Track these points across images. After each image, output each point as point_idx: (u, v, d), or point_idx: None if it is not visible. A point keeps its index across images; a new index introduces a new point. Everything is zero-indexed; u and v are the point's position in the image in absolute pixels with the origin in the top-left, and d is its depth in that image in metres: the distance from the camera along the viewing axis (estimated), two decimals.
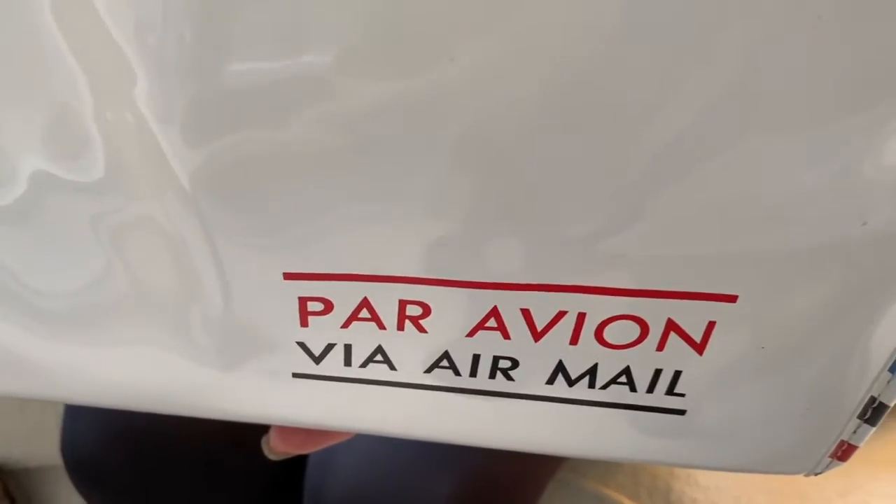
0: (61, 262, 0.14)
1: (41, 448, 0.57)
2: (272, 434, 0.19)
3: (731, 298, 0.14)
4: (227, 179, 0.13)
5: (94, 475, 0.38)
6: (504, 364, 0.15)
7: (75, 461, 0.38)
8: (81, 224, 0.13)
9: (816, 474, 0.17)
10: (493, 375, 0.15)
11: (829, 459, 0.16)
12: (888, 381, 0.15)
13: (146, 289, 0.14)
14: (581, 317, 0.14)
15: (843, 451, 0.16)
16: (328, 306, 0.14)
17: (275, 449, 0.19)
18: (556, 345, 0.15)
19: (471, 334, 0.15)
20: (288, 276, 0.14)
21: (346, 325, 0.15)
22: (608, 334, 0.14)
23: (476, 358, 0.15)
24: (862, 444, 0.16)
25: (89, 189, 0.13)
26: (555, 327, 0.14)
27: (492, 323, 0.14)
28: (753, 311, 0.14)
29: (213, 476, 0.40)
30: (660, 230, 0.13)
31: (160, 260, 0.14)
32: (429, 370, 0.15)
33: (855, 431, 0.16)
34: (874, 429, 0.16)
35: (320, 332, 0.15)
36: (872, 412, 0.15)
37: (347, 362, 0.15)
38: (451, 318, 0.14)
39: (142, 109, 0.12)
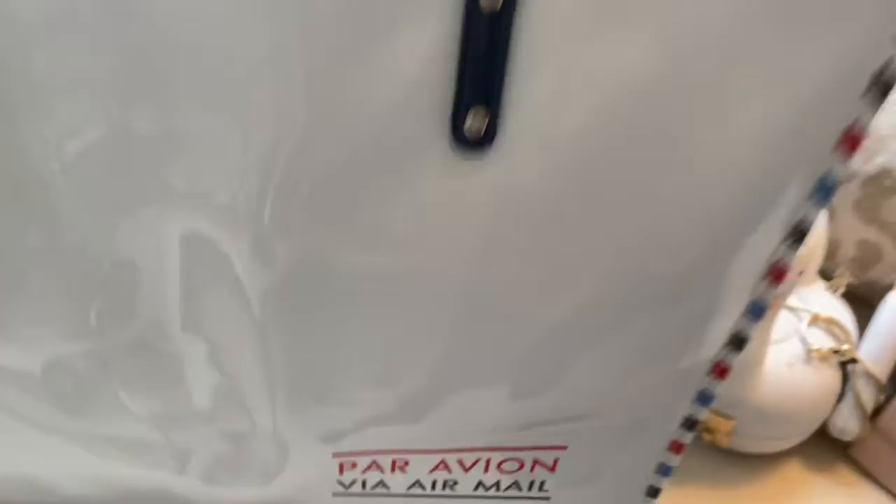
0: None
1: None
2: None
3: (564, 448, 0.26)
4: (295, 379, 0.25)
5: None
6: (449, 483, 0.28)
7: None
8: (215, 441, 0.25)
9: None
10: (444, 489, 0.28)
11: None
12: (659, 479, 0.28)
13: (248, 462, 0.26)
14: (489, 460, 0.27)
15: None
16: (354, 465, 0.26)
17: None
18: (477, 473, 0.27)
19: (431, 472, 0.27)
20: (335, 455, 0.26)
21: (364, 471, 0.27)
22: (504, 466, 0.27)
23: (434, 481, 0.27)
24: None
25: (215, 419, 0.25)
26: (475, 465, 0.27)
27: (442, 467, 0.27)
28: (579, 452, 0.27)
29: None
30: (538, 409, 0.25)
31: (253, 447, 0.26)
32: (408, 489, 0.28)
33: None
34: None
35: (349, 475, 0.27)
36: (653, 493, 0.28)
37: (363, 487, 0.28)
38: (420, 466, 0.27)
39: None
